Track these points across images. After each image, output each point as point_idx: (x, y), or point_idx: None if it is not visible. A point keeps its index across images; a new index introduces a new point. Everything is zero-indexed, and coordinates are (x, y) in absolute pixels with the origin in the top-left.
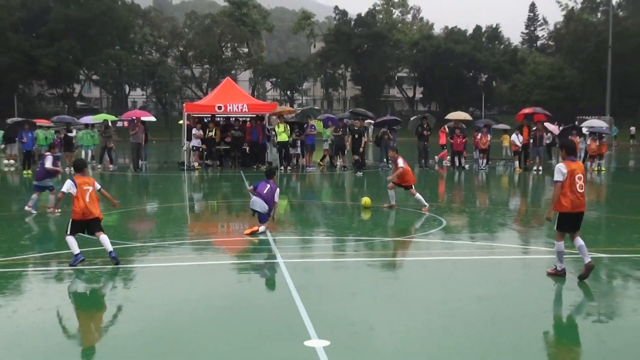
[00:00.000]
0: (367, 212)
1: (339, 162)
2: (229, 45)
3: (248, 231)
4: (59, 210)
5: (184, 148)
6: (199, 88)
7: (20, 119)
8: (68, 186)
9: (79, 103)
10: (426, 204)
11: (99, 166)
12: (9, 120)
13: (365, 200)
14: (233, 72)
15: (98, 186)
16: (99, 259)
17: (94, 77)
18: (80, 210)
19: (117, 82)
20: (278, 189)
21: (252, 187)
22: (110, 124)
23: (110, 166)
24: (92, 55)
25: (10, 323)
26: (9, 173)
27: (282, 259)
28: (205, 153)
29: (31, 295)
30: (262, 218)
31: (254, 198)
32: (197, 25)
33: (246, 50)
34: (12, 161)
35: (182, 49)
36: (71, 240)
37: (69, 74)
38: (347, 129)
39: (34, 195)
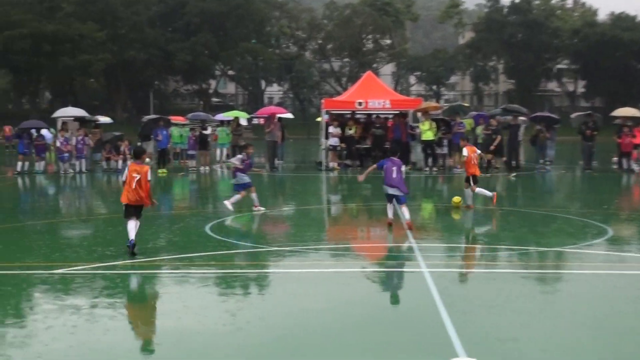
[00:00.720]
0: (521, 218)
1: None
2: (370, 36)
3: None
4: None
5: (322, 147)
6: (338, 83)
7: (155, 116)
8: (124, 173)
9: (214, 99)
10: (469, 203)
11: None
12: (145, 118)
13: (456, 199)
14: (374, 65)
15: (149, 176)
16: (236, 263)
17: (230, 72)
18: (125, 194)
19: (253, 77)
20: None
21: (375, 166)
22: (242, 121)
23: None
24: (227, 49)
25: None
26: None
27: (426, 267)
28: (345, 152)
29: (168, 298)
30: (402, 200)
31: (385, 186)
32: (337, 16)
33: (389, 41)
34: (147, 159)
35: (320, 41)
36: (129, 224)
37: (204, 69)
38: (500, 127)
39: (237, 196)
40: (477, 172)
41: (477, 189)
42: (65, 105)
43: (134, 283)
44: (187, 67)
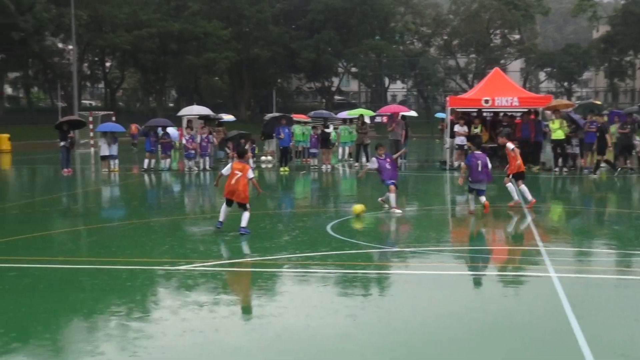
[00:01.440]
0: None
1: (627, 164)
2: (498, 31)
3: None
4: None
5: (447, 146)
6: (464, 80)
7: (277, 114)
8: (226, 168)
9: (336, 97)
10: (516, 198)
11: (356, 164)
12: (267, 116)
13: (356, 208)
14: (502, 61)
15: (250, 175)
16: (356, 263)
17: (353, 69)
18: (226, 188)
19: (377, 75)
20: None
21: (464, 164)
22: (367, 119)
23: (368, 164)
24: (351, 46)
25: (267, 324)
26: (265, 170)
27: (555, 272)
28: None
29: (288, 296)
30: (481, 193)
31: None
32: (463, 10)
33: (517, 36)
34: (269, 157)
35: (446, 37)
36: (223, 208)
37: (327, 66)
38: (637, 126)
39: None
40: (522, 168)
41: (509, 184)
42: (191, 104)
43: (255, 281)
44: (310, 65)
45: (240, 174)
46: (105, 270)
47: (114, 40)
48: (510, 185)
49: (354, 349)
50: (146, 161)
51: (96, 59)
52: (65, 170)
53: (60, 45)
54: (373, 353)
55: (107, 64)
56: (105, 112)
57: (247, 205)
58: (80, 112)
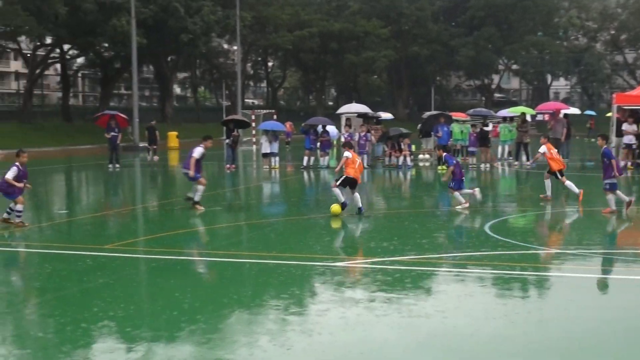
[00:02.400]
0: None
1: None
2: None
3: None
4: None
5: (612, 145)
6: (632, 76)
7: (436, 112)
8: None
9: (496, 95)
10: (548, 193)
11: (516, 163)
12: (425, 114)
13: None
14: None
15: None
16: (514, 264)
17: (514, 66)
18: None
19: (538, 72)
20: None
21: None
22: (528, 117)
23: (518, 163)
24: (512, 43)
25: (417, 324)
26: (423, 168)
27: None
28: (639, 151)
29: (445, 296)
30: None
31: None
32: (633, 3)
33: None
34: (427, 156)
35: (613, 32)
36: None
37: (487, 63)
38: None
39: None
40: (563, 166)
41: (567, 182)
42: (350, 102)
43: (411, 279)
44: (469, 62)
45: (359, 160)
46: (263, 265)
47: (277, 41)
48: (568, 184)
49: (509, 351)
50: (305, 158)
51: (259, 59)
52: (228, 166)
53: (225, 46)
54: (527, 357)
55: (270, 64)
56: (267, 111)
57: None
58: (243, 110)
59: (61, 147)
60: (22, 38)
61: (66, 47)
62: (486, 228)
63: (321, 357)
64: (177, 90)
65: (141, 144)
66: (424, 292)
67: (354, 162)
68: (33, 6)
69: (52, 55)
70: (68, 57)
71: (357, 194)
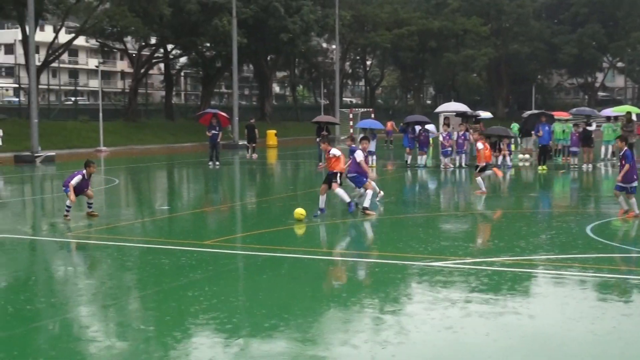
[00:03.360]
0: None
1: None
2: None
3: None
4: None
5: None
6: None
7: (537, 111)
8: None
9: (600, 94)
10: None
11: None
12: (526, 113)
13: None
14: None
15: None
16: (616, 267)
17: (619, 64)
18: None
19: None
20: None
21: None
22: (633, 117)
23: None
24: (617, 40)
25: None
26: (522, 168)
27: None
28: None
29: (541, 299)
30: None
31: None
32: None
33: None
34: (527, 155)
35: None
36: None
37: (591, 61)
38: None
39: None
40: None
41: (482, 176)
42: (448, 100)
43: (508, 281)
44: (572, 60)
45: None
46: (360, 264)
47: (375, 39)
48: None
49: (610, 358)
50: (408, 157)
51: (357, 57)
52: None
53: (324, 45)
54: None
55: (368, 62)
56: (365, 109)
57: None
58: (341, 109)
59: (164, 144)
60: (129, 38)
61: (170, 47)
62: (588, 230)
63: (415, 356)
64: (276, 89)
65: (241, 142)
66: (521, 294)
67: (343, 159)
68: (139, 8)
69: (156, 55)
70: (171, 56)
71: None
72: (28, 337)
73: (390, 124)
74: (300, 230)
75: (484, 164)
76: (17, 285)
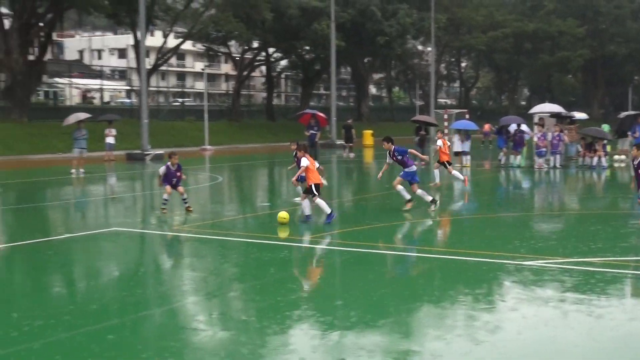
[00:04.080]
0: None
1: None
2: None
3: None
4: None
5: None
6: None
7: (633, 112)
8: None
9: None
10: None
11: None
12: (622, 114)
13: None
14: None
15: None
16: None
17: None
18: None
19: None
20: None
21: None
22: None
23: None
24: None
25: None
26: (618, 169)
27: None
28: None
29: (637, 302)
30: None
31: None
32: None
33: None
34: (622, 157)
35: None
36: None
37: None
38: None
39: None
40: (449, 159)
41: (454, 172)
42: (542, 102)
43: (602, 281)
44: None
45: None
46: (452, 261)
47: (470, 42)
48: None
49: None
50: (503, 157)
51: (452, 59)
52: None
53: (419, 47)
54: None
55: (463, 64)
56: (460, 110)
57: None
58: (436, 110)
59: (265, 143)
60: (232, 43)
61: (271, 50)
62: None
63: (507, 354)
64: (373, 90)
65: (338, 142)
66: (615, 295)
67: (313, 168)
68: (243, 13)
69: (258, 58)
70: (273, 59)
71: (307, 201)
72: (137, 324)
73: (487, 126)
74: (395, 227)
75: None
76: (128, 275)
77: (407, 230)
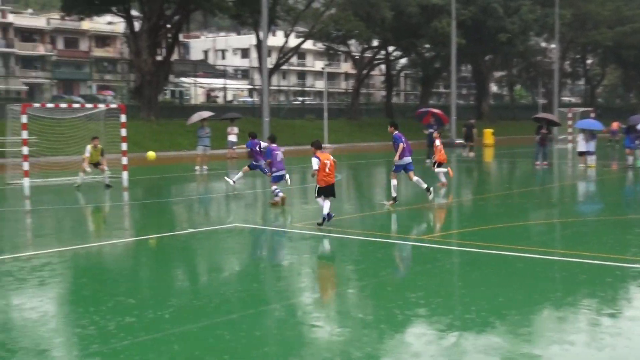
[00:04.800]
0: None
1: None
2: None
3: None
4: None
5: None
6: None
7: None
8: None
9: None
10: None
11: None
12: None
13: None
14: None
15: None
16: None
17: None
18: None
19: None
20: None
21: None
22: None
23: None
24: None
25: None
26: None
27: None
28: None
29: None
30: None
31: None
32: None
33: None
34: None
35: None
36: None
37: None
38: None
39: None
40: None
41: (437, 169)
42: None
43: None
44: None
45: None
46: (575, 264)
47: (596, 37)
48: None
49: None
50: (630, 158)
51: (577, 56)
52: (538, 163)
53: (543, 44)
54: None
55: (588, 61)
56: (584, 109)
57: None
58: (559, 108)
59: (383, 142)
60: (352, 41)
61: (390, 48)
62: None
63: None
64: (494, 88)
65: (457, 141)
66: None
67: (323, 168)
68: (363, 12)
69: (377, 56)
70: (392, 58)
71: (327, 202)
72: (257, 319)
73: (616, 124)
74: (516, 228)
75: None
76: (248, 271)
77: (528, 231)
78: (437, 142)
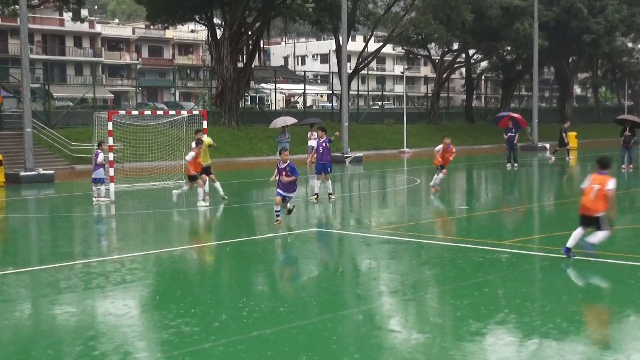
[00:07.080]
0: None
1: None
2: None
3: None
4: None
5: None
6: None
7: None
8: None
9: None
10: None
11: None
12: None
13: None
14: None
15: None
16: None
17: None
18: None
19: None
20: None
21: None
22: None
23: None
24: None
25: None
26: None
27: None
28: None
29: None
30: None
31: None
32: None
33: None
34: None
35: None
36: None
37: None
38: None
39: None
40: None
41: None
42: None
43: None
44: None
45: (598, 186)
46: None
47: None
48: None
49: None
50: None
51: None
52: (623, 166)
53: (629, 44)
54: None
55: None
56: None
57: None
58: None
59: (463, 146)
60: (432, 45)
61: (471, 52)
62: None
63: None
64: (577, 90)
65: (539, 144)
66: None
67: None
68: (443, 15)
69: (458, 60)
70: (472, 61)
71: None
72: (336, 323)
73: None
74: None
75: None
76: (327, 275)
77: (613, 237)
78: (438, 148)
